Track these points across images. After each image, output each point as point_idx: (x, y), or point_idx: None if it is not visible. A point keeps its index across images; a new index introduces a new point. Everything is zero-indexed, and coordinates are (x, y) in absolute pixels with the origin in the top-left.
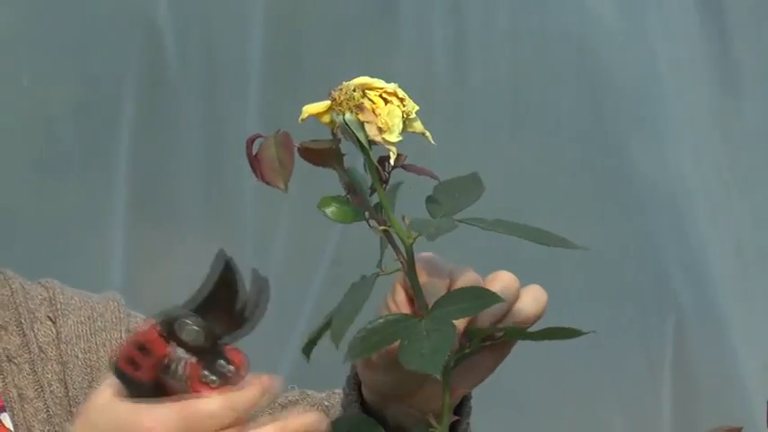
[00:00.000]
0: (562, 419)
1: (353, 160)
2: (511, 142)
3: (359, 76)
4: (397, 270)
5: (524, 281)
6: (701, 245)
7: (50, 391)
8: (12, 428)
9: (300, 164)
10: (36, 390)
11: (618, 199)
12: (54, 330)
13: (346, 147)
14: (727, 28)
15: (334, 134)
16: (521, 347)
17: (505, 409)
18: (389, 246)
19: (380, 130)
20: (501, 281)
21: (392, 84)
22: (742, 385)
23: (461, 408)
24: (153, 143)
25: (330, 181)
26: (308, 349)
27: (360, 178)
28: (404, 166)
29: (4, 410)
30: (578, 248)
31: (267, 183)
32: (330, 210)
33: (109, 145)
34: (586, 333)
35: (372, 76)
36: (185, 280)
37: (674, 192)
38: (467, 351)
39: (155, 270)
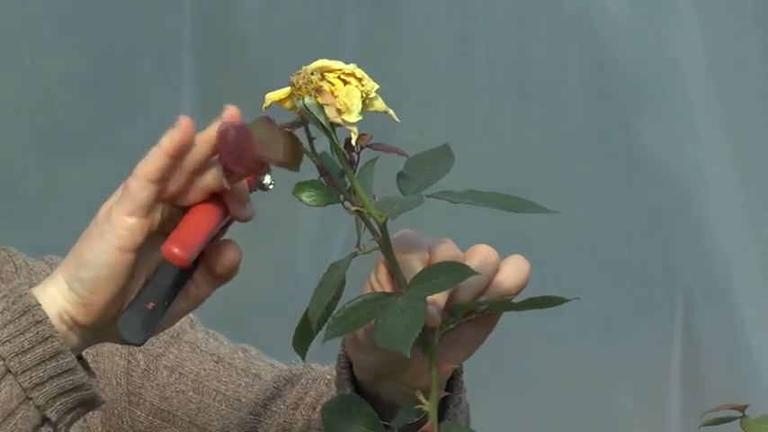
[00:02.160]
0: (571, 398)
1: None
2: (516, 121)
3: (363, 52)
4: (375, 249)
5: (532, 260)
6: (708, 223)
7: None
8: None
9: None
10: None
11: (624, 177)
12: None
13: (313, 131)
14: (735, 8)
15: (302, 119)
16: (530, 328)
17: (514, 390)
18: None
19: (339, 112)
20: (479, 254)
21: (351, 64)
22: (750, 362)
23: (453, 382)
24: (157, 121)
25: None
26: (300, 348)
27: (332, 160)
28: (370, 146)
29: None
30: (549, 212)
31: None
32: (304, 195)
33: (112, 123)
34: (569, 300)
35: (376, 55)
36: None
37: (681, 170)
38: (450, 326)
39: None
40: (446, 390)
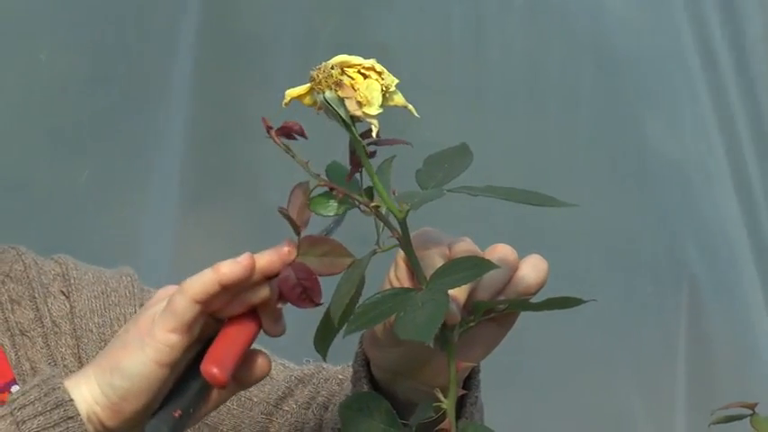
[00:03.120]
0: (579, 396)
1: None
2: (528, 119)
3: (377, 51)
4: (394, 246)
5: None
6: (715, 220)
7: (64, 365)
8: None
9: (316, 142)
10: (49, 363)
11: (633, 175)
12: (68, 305)
13: (331, 124)
14: (742, 5)
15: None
16: (538, 325)
17: (522, 388)
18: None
19: (360, 105)
20: (498, 252)
21: (371, 59)
22: (758, 360)
23: (470, 381)
24: (168, 119)
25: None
26: (322, 347)
27: (338, 168)
28: (375, 142)
29: (15, 383)
30: (566, 206)
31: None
32: (321, 208)
33: (123, 120)
34: (587, 301)
35: (390, 54)
36: (200, 256)
37: (689, 167)
38: (471, 324)
39: (167, 246)
40: (463, 388)
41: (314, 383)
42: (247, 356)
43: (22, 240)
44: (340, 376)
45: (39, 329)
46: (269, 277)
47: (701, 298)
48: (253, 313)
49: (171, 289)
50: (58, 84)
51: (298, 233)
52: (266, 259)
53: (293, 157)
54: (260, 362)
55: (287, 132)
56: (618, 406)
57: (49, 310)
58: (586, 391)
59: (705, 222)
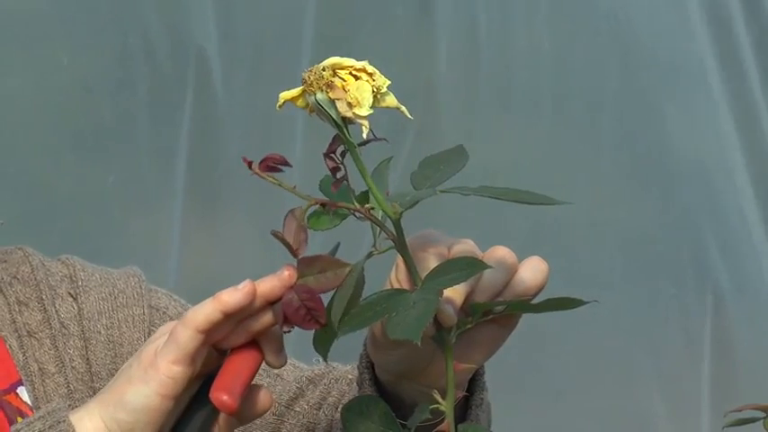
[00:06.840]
0: (601, 397)
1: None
2: (553, 121)
3: (404, 55)
4: (390, 249)
5: (563, 260)
6: (738, 221)
7: (72, 367)
8: (29, 402)
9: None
10: (57, 365)
11: (657, 177)
12: (75, 307)
13: (322, 125)
14: (764, 4)
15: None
16: (560, 328)
17: (544, 389)
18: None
19: (350, 106)
20: (497, 254)
21: (363, 61)
22: None
23: (475, 383)
24: (192, 122)
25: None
26: (322, 349)
27: (326, 183)
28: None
29: (22, 384)
30: (561, 204)
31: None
32: (321, 223)
33: (147, 123)
34: (588, 303)
35: (418, 58)
36: (223, 259)
37: (712, 169)
38: (468, 326)
39: (193, 248)
40: (467, 390)
41: (324, 384)
42: (251, 392)
43: (45, 243)
44: (350, 376)
45: (46, 331)
46: (271, 303)
47: (724, 299)
48: (255, 344)
49: (173, 324)
50: (80, 87)
51: (295, 256)
52: (267, 285)
53: (280, 185)
54: (261, 396)
55: (270, 165)
56: (641, 409)
57: (56, 311)
58: (609, 394)
59: (728, 223)
